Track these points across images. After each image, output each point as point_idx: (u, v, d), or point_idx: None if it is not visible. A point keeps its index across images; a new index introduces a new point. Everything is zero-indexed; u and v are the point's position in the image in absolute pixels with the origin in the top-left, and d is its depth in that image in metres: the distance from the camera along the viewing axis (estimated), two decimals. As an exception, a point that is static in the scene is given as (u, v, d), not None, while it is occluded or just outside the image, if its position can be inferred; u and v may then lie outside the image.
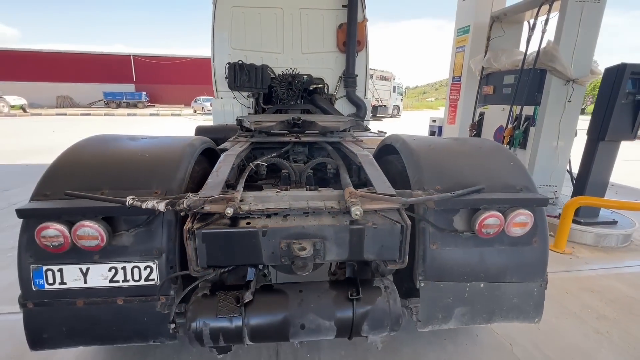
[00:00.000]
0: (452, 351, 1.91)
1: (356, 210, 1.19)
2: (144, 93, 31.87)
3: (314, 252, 1.19)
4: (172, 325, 1.23)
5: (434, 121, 6.44)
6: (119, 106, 30.53)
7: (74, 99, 31.93)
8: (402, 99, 28.59)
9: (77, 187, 1.43)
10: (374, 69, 24.19)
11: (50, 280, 1.41)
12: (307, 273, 1.24)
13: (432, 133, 6.45)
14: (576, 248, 3.30)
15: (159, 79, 33.64)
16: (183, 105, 31.45)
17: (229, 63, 4.45)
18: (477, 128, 5.04)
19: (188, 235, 1.16)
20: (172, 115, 23.78)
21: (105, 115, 23.34)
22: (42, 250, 1.35)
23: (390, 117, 26.09)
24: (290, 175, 1.98)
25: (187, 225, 1.18)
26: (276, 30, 4.62)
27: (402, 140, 1.91)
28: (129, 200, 1.28)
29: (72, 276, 1.41)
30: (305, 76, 4.64)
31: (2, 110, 22.04)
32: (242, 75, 4.57)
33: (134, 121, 19.04)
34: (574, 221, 3.44)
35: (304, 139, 2.50)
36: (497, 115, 4.63)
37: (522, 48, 4.22)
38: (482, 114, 5.00)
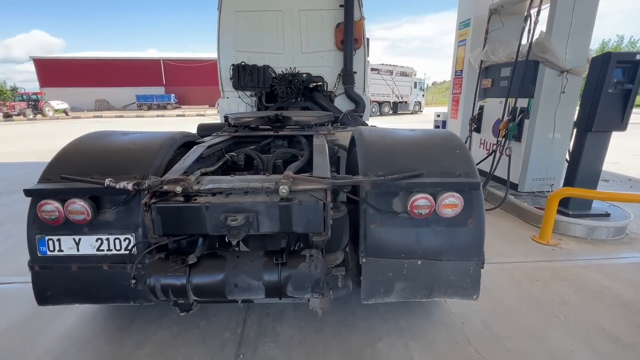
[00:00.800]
0: (404, 327, 2.06)
1: (283, 189, 1.40)
2: (172, 95, 33.57)
3: (246, 224, 1.41)
4: (133, 281, 1.51)
5: (438, 116, 6.44)
6: (150, 108, 32.37)
7: (110, 102, 34.30)
8: (423, 95, 27.97)
9: (73, 173, 1.75)
10: (394, 65, 23.85)
11: (51, 248, 1.74)
12: (238, 239, 1.46)
13: (435, 128, 6.45)
14: (564, 240, 3.28)
15: (186, 81, 35.36)
16: (207, 106, 32.80)
17: (233, 65, 4.77)
18: (476, 122, 5.02)
19: (145, 208, 1.42)
20: (197, 115, 24.88)
21: (136, 117, 24.90)
22: (43, 222, 1.68)
23: (411, 113, 25.66)
24: (259, 164, 2.22)
25: (145, 199, 1.44)
26: (277, 32, 4.87)
27: (360, 132, 2.09)
28: (107, 182, 1.58)
29: (67, 245, 1.73)
30: (304, 75, 4.85)
31: (48, 114, 24.27)
32: (245, 76, 4.88)
33: (161, 122, 20.15)
34: (564, 213, 3.42)
35: (280, 132, 2.73)
36: (495, 108, 4.61)
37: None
38: (481, 108, 4.98)
